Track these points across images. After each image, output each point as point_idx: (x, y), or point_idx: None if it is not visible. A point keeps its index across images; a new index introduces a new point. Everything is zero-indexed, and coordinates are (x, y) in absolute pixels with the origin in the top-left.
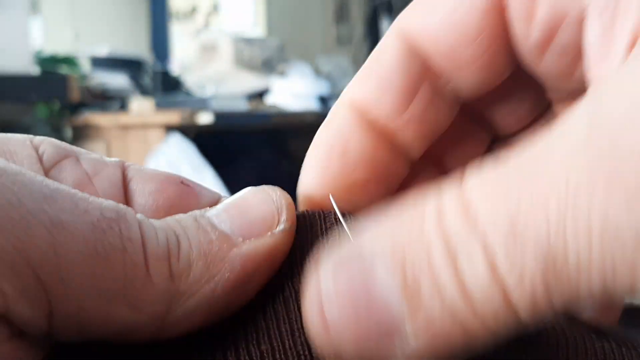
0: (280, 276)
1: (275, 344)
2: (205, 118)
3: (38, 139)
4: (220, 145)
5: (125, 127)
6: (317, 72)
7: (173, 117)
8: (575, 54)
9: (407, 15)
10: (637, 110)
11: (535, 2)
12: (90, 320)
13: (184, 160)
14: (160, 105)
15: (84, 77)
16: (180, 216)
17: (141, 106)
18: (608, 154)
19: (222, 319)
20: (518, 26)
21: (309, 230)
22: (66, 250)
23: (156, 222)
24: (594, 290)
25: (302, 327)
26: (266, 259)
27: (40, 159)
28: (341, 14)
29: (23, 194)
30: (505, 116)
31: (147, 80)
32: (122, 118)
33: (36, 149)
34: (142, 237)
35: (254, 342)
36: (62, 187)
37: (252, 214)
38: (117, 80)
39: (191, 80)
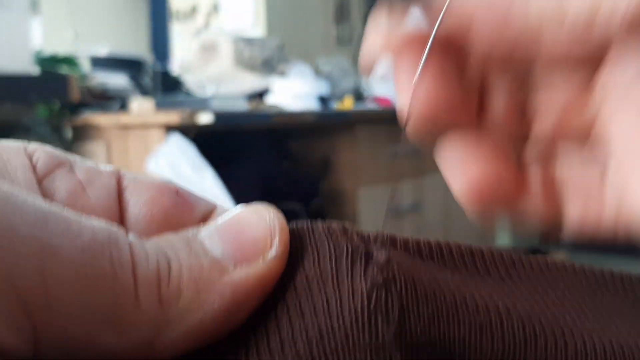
0: (271, 292)
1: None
2: (205, 118)
3: (32, 146)
4: (220, 145)
5: (125, 127)
6: (317, 72)
7: (173, 117)
8: None
9: None
10: None
11: None
12: (76, 345)
13: (184, 160)
14: (160, 105)
15: (84, 77)
16: (172, 237)
17: (141, 106)
18: None
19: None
20: None
21: (299, 244)
22: (55, 276)
23: (148, 244)
24: None
25: (293, 342)
26: (257, 287)
27: (33, 167)
28: (341, 14)
29: (14, 219)
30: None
31: (147, 80)
32: (122, 118)
33: (30, 157)
34: (133, 261)
35: (244, 358)
36: (54, 208)
37: (245, 237)
38: (117, 80)
39: (191, 80)
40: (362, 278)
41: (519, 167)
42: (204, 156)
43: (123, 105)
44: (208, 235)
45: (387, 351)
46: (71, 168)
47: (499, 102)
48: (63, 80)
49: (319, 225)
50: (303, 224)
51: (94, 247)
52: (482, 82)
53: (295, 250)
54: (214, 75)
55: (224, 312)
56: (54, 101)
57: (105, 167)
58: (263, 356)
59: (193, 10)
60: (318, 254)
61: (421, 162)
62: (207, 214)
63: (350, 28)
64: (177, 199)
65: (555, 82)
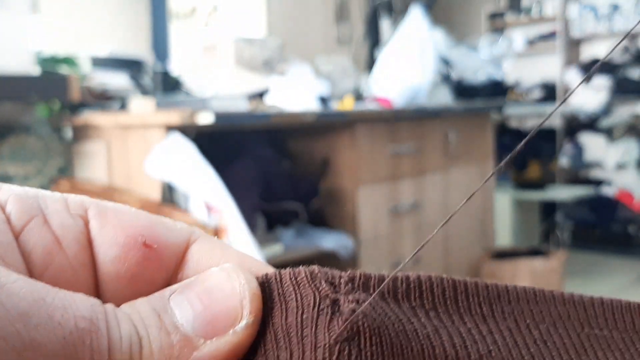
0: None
1: None
2: (205, 118)
3: (3, 196)
4: (220, 145)
5: (125, 127)
6: (317, 72)
7: (173, 117)
8: None
9: None
10: None
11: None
12: None
13: (183, 160)
14: (160, 105)
15: (84, 77)
16: (143, 307)
17: (141, 106)
18: None
19: None
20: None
21: (268, 296)
22: None
23: (122, 322)
24: None
25: None
26: (227, 357)
27: (8, 219)
28: (341, 14)
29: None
30: None
31: (147, 80)
32: (122, 118)
33: (2, 209)
34: (110, 346)
35: None
36: (38, 298)
37: (216, 308)
38: (117, 80)
39: (191, 80)
40: (327, 332)
41: None
42: (204, 156)
43: (123, 105)
44: (179, 304)
45: None
46: (44, 219)
47: None
48: (63, 80)
49: (287, 273)
50: (272, 274)
51: (75, 337)
52: None
53: (265, 303)
54: (214, 75)
55: None
56: (54, 101)
57: (75, 204)
58: None
59: (193, 11)
60: (286, 307)
61: (421, 162)
62: (180, 252)
63: (350, 28)
64: (144, 252)
65: None
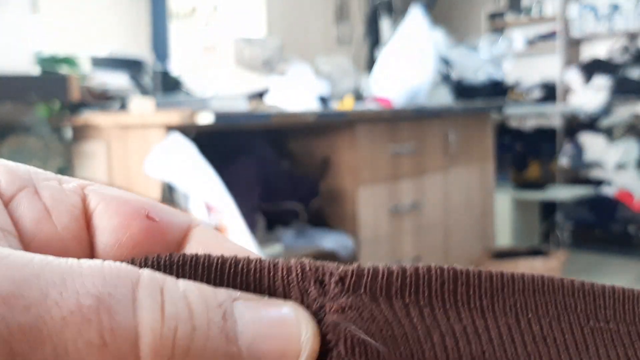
0: None
1: None
2: (205, 118)
3: None
4: (220, 145)
5: (125, 127)
6: (317, 72)
7: (173, 117)
8: None
9: None
10: None
11: None
12: None
13: (183, 160)
14: (160, 105)
15: (84, 77)
16: (212, 299)
17: (141, 106)
18: None
19: None
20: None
21: (258, 282)
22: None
23: (172, 293)
24: None
25: None
26: None
27: None
28: (341, 14)
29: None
30: None
31: (147, 80)
32: (122, 118)
33: None
34: (136, 324)
35: None
36: (31, 274)
37: (275, 345)
38: (117, 80)
39: (191, 80)
40: None
41: None
42: (204, 156)
43: (123, 105)
44: (242, 315)
45: None
46: (35, 191)
47: None
48: (63, 80)
49: (280, 270)
50: (265, 264)
51: (77, 318)
52: None
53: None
54: (214, 75)
55: None
56: (54, 101)
57: (70, 184)
58: None
59: (193, 11)
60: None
61: (421, 162)
62: (180, 236)
63: (350, 28)
64: (147, 223)
65: None
